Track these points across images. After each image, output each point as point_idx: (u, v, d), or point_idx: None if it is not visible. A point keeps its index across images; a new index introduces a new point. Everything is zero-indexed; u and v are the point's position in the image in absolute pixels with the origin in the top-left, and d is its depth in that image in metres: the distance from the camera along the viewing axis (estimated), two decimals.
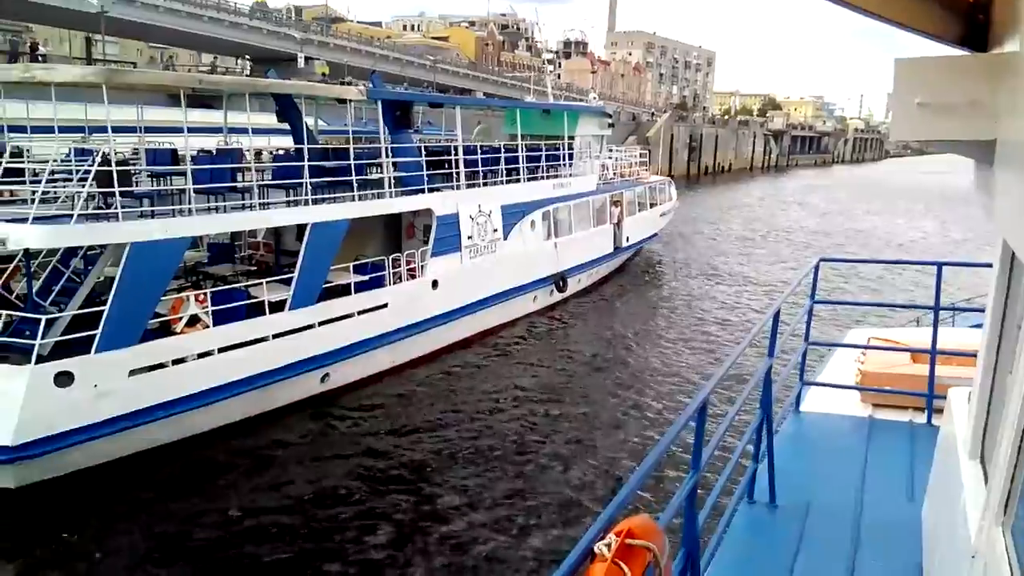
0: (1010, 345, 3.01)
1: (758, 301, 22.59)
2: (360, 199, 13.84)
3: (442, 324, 15.69)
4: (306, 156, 12.68)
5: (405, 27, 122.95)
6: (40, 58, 33.49)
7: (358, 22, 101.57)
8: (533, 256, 19.07)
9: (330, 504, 9.87)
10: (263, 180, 13.58)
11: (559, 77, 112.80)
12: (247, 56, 35.69)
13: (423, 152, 15.78)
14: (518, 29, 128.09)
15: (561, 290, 20.27)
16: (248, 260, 15.58)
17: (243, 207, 12.08)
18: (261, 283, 12.02)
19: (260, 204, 12.31)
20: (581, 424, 12.73)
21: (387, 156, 14.39)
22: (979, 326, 4.27)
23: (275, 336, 12.06)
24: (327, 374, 13.20)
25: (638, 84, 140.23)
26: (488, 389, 14.47)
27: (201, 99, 22.04)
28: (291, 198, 13.31)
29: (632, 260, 27.42)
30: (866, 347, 7.27)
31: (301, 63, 44.64)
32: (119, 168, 10.45)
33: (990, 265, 3.60)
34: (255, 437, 11.72)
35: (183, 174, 11.50)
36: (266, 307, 11.90)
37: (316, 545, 8.93)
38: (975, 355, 3.74)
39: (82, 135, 15.32)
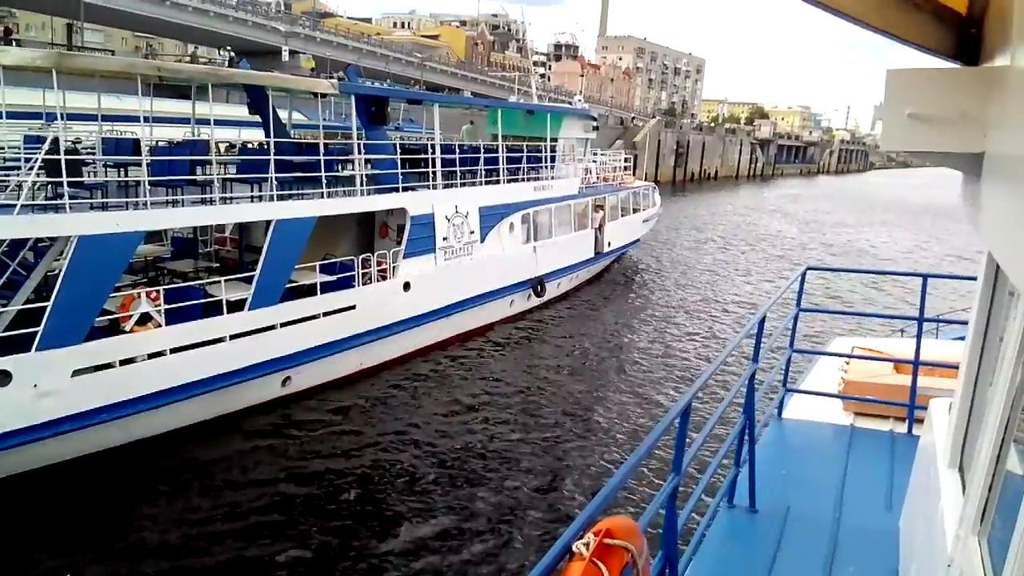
0: (992, 357, 3.05)
1: (740, 311, 22.29)
2: (329, 196, 13.33)
3: (414, 327, 15.20)
4: (271, 150, 12.15)
5: (395, 24, 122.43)
6: (14, 43, 32.62)
7: (348, 18, 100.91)
8: (511, 259, 18.62)
9: (276, 513, 9.36)
10: (227, 173, 13.02)
11: (549, 79, 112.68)
12: (228, 48, 34.95)
13: (398, 150, 15.26)
14: (509, 30, 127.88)
15: (539, 295, 19.84)
16: (214, 256, 15.01)
17: (203, 201, 11.54)
18: (219, 281, 11.47)
19: (221, 199, 11.76)
20: (554, 432, 12.28)
21: (359, 152, 13.87)
22: (962, 338, 4.30)
23: (233, 337, 11.52)
24: (288, 377, 12.67)
25: (627, 89, 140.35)
26: (458, 395, 14.00)
27: (181, 89, 21.45)
28: (255, 193, 12.77)
29: (613, 266, 27.06)
30: (850, 356, 7.23)
31: (286, 56, 43.95)
32: (69, 157, 9.88)
33: (975, 278, 3.61)
34: (208, 442, 11.18)
35: (139, 165, 10.94)
36: (224, 306, 11.37)
37: (260, 552, 8.43)
38: (957, 367, 3.76)
39: (41, 122, 14.72)
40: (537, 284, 19.64)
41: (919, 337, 6.13)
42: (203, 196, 11.58)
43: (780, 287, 5.70)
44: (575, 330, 19.40)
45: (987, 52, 2.93)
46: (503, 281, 18.22)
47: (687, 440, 3.22)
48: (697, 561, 4.15)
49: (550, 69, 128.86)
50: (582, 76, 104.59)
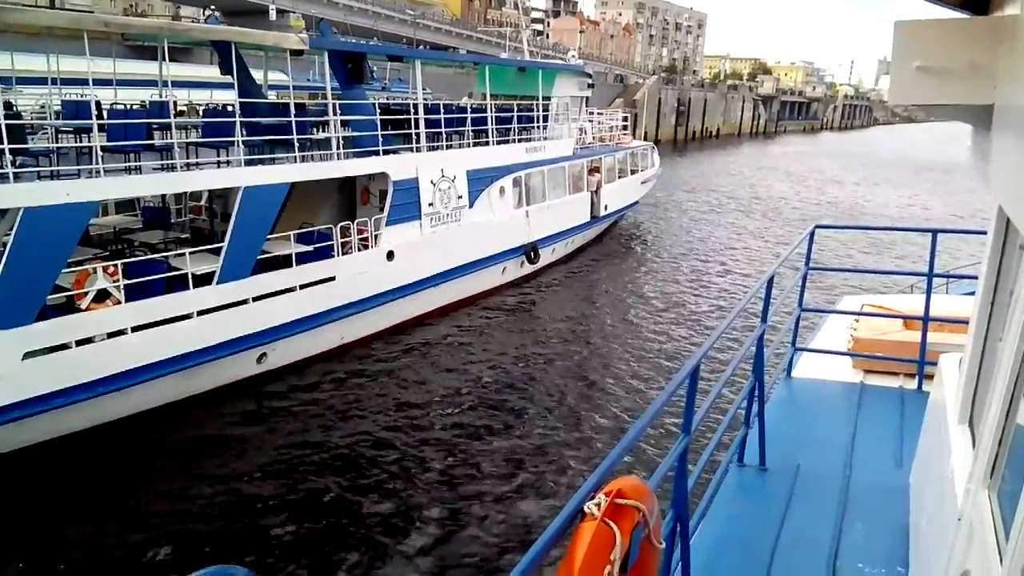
0: (1002, 311, 3.01)
1: (743, 273, 21.54)
2: (303, 161, 12.50)
3: (399, 298, 14.50)
4: (237, 112, 11.29)
5: None
6: None
7: None
8: (502, 225, 17.82)
9: (248, 499, 8.79)
10: (193, 138, 12.17)
11: (548, 37, 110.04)
12: (213, 7, 33.57)
13: (378, 110, 14.36)
14: None
15: (532, 261, 19.08)
16: (187, 227, 14.24)
17: (163, 168, 10.73)
18: (184, 254, 10.73)
19: (184, 165, 10.95)
20: (552, 408, 11.67)
21: (335, 114, 12.98)
22: (972, 293, 4.29)
23: (200, 313, 10.83)
24: (264, 354, 12.02)
25: (628, 46, 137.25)
26: (448, 368, 13.38)
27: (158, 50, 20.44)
28: (222, 159, 11.95)
29: (611, 229, 26.23)
30: (859, 313, 7.20)
31: (273, 15, 42.25)
32: (10, 122, 9.05)
33: (984, 232, 3.56)
34: (177, 425, 10.58)
35: (89, 131, 10.10)
36: (189, 280, 10.65)
37: (232, 544, 7.86)
38: (967, 322, 3.72)
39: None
40: (531, 250, 18.88)
41: (928, 293, 6.11)
42: (164, 162, 10.75)
43: (789, 247, 5.56)
44: (572, 296, 18.72)
45: (996, 1, 2.87)
46: (494, 248, 17.46)
47: (696, 401, 3.19)
48: (708, 520, 4.18)
49: (548, 26, 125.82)
50: (581, 32, 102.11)
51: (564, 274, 20.52)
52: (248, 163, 11.67)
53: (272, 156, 12.28)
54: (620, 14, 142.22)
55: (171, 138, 10.90)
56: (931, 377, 4.92)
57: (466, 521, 8.54)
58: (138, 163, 10.50)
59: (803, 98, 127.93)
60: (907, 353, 6.30)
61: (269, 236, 12.11)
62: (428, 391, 12.32)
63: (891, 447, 5.17)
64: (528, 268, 19.25)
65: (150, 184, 10.70)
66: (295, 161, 12.31)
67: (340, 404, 11.71)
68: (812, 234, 6.14)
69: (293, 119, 12.03)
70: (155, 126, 11.52)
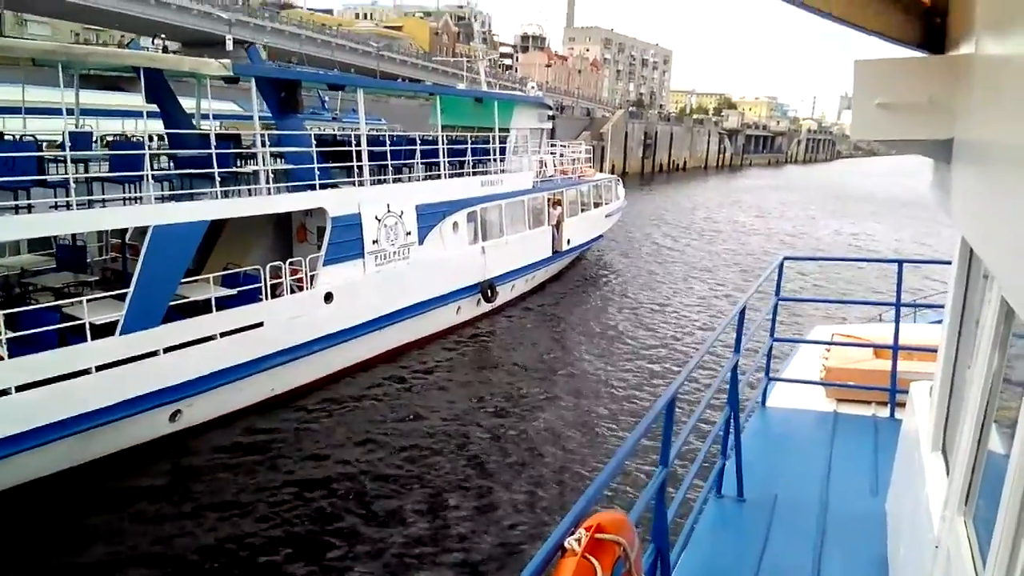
0: (969, 340, 3.07)
1: (711, 307, 20.72)
2: (226, 196, 11.39)
3: (340, 343, 13.33)
4: (146, 143, 10.16)
5: (357, 15, 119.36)
6: None
7: (308, 9, 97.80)
8: (455, 262, 16.79)
9: None
10: (102, 171, 11.02)
11: (516, 71, 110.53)
12: (163, 36, 32.54)
13: (314, 141, 13.31)
14: (474, 20, 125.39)
15: (489, 300, 18.04)
16: (104, 268, 12.97)
17: (56, 206, 9.54)
18: (81, 301, 9.49)
19: (83, 203, 9.77)
20: (512, 461, 10.52)
21: (263, 145, 11.90)
22: (939, 322, 4.34)
23: (100, 368, 9.57)
24: (179, 411, 10.75)
25: (595, 80, 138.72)
26: (394, 418, 12.20)
27: (108, 80, 19.29)
28: (133, 195, 10.79)
29: (576, 265, 25.36)
30: (830, 343, 7.31)
31: (230, 46, 41.37)
32: None
33: (949, 262, 3.65)
34: (72, 496, 9.23)
35: None
36: (87, 331, 9.40)
37: None
38: (936, 350, 3.78)
39: None
40: (487, 288, 17.85)
41: (897, 322, 6.19)
42: (55, 200, 9.56)
43: (759, 278, 5.64)
44: (532, 335, 17.68)
45: (952, 40, 2.99)
46: (447, 287, 16.40)
47: (673, 433, 3.23)
48: (688, 552, 4.19)
49: (517, 60, 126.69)
50: (548, 67, 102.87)
51: (524, 312, 19.50)
52: (164, 199, 10.53)
53: (191, 191, 11.13)
54: (588, 50, 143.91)
55: (88, 171, 9.70)
56: (903, 405, 4.99)
57: None
58: (28, 201, 9.29)
59: (768, 132, 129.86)
60: (878, 381, 6.37)
61: (187, 280, 10.93)
62: (370, 444, 11.13)
63: (866, 475, 5.21)
64: (485, 306, 18.20)
65: (33, 225, 9.43)
66: (217, 196, 11.18)
67: (266, 465, 10.45)
68: (781, 265, 6.16)
69: (214, 151, 10.91)
70: (51, 159, 10.33)
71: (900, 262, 6.35)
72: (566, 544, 2.17)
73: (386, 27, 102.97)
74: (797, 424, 6.33)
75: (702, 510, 4.62)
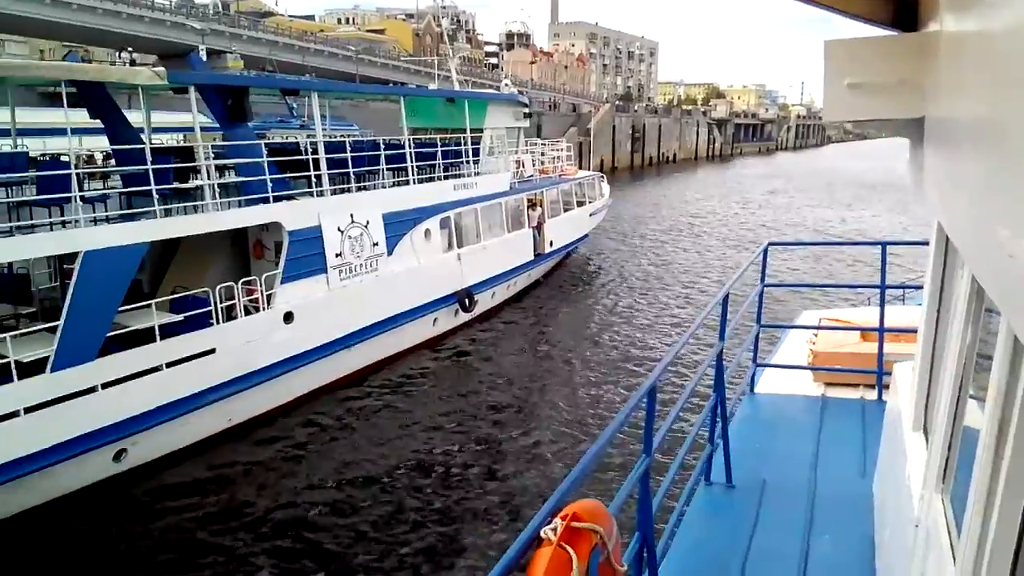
0: (947, 319, 3.04)
1: (704, 304, 19.98)
2: (167, 214, 10.61)
3: (303, 365, 12.55)
4: (72, 163, 9.36)
5: (339, 20, 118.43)
6: None
7: (289, 16, 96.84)
8: (429, 272, 16.01)
9: None
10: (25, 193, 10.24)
11: (502, 69, 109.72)
12: (131, 49, 31.80)
13: (265, 152, 12.53)
14: (457, 21, 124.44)
15: (468, 309, 17.26)
16: (45, 299, 12.16)
17: None
18: (4, 338, 8.69)
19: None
20: (490, 484, 9.77)
21: (206, 158, 11.12)
22: None
23: (29, 410, 8.78)
24: (124, 450, 9.97)
25: (582, 76, 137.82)
26: (367, 442, 11.47)
27: (72, 97, 18.48)
28: (56, 219, 9.99)
29: (561, 267, 24.60)
30: (817, 328, 7.34)
31: (203, 56, 40.55)
32: None
33: (927, 243, 3.62)
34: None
35: None
36: (13, 370, 8.62)
37: None
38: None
39: None
40: (465, 297, 17.08)
41: (882, 304, 6.18)
42: None
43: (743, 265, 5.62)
44: (514, 344, 16.93)
45: (923, 18, 2.98)
46: (421, 298, 15.62)
47: (657, 421, 3.17)
48: (677, 540, 4.21)
49: (502, 59, 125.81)
50: (533, 63, 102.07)
51: (506, 319, 18.73)
52: (95, 221, 9.75)
53: (131, 211, 10.35)
54: (573, 45, 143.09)
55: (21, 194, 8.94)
56: (890, 387, 5.01)
57: None
58: None
59: (757, 120, 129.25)
60: (865, 364, 6.37)
61: (129, 307, 10.12)
62: (339, 472, 10.42)
63: (854, 457, 5.22)
64: (464, 316, 17.43)
65: None
66: (157, 215, 10.40)
67: (222, 503, 9.69)
68: (766, 251, 6.18)
69: (150, 167, 10.11)
70: None
71: (884, 244, 6.37)
72: (542, 534, 2.18)
73: (368, 31, 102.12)
74: (786, 409, 6.35)
75: (691, 498, 4.63)
